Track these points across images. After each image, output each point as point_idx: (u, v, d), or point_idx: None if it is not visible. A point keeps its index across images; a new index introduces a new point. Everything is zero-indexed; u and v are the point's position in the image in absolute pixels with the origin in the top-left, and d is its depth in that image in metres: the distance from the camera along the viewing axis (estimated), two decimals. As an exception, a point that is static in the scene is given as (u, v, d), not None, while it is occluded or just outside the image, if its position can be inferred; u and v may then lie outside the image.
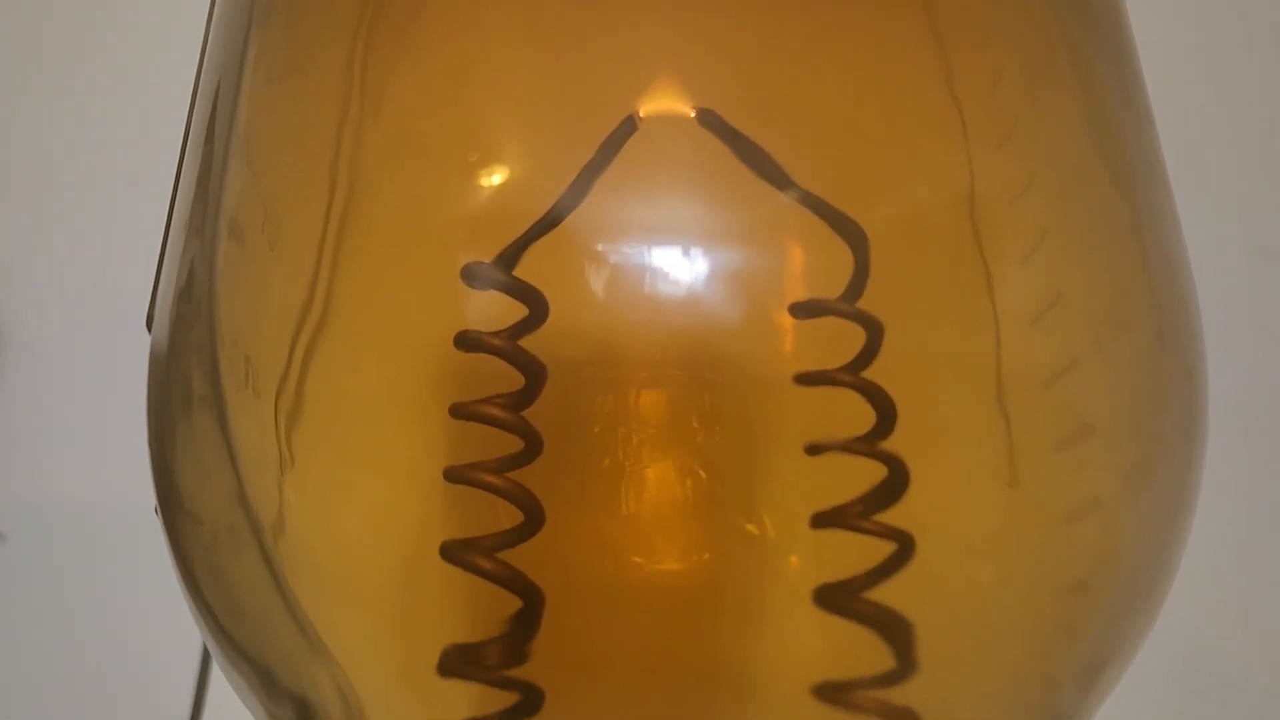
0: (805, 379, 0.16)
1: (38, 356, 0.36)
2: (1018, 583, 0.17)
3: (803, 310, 0.16)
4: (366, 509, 0.17)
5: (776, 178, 0.16)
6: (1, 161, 0.37)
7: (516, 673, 0.16)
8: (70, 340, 0.36)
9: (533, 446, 0.16)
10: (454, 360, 0.16)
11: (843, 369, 0.16)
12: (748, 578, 0.16)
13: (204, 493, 0.18)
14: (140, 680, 0.34)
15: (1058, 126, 0.18)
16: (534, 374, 0.16)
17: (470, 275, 0.16)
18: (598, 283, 0.16)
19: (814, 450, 0.16)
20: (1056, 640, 0.17)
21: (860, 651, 0.16)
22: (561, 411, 0.16)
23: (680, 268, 0.16)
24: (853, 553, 0.16)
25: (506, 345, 0.16)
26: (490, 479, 0.16)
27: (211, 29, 0.20)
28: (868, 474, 0.16)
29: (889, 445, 0.16)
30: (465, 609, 0.16)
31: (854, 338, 0.16)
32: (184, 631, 0.19)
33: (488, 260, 0.16)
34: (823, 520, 0.16)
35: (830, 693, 0.16)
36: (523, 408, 0.16)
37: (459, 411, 0.16)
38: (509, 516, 0.16)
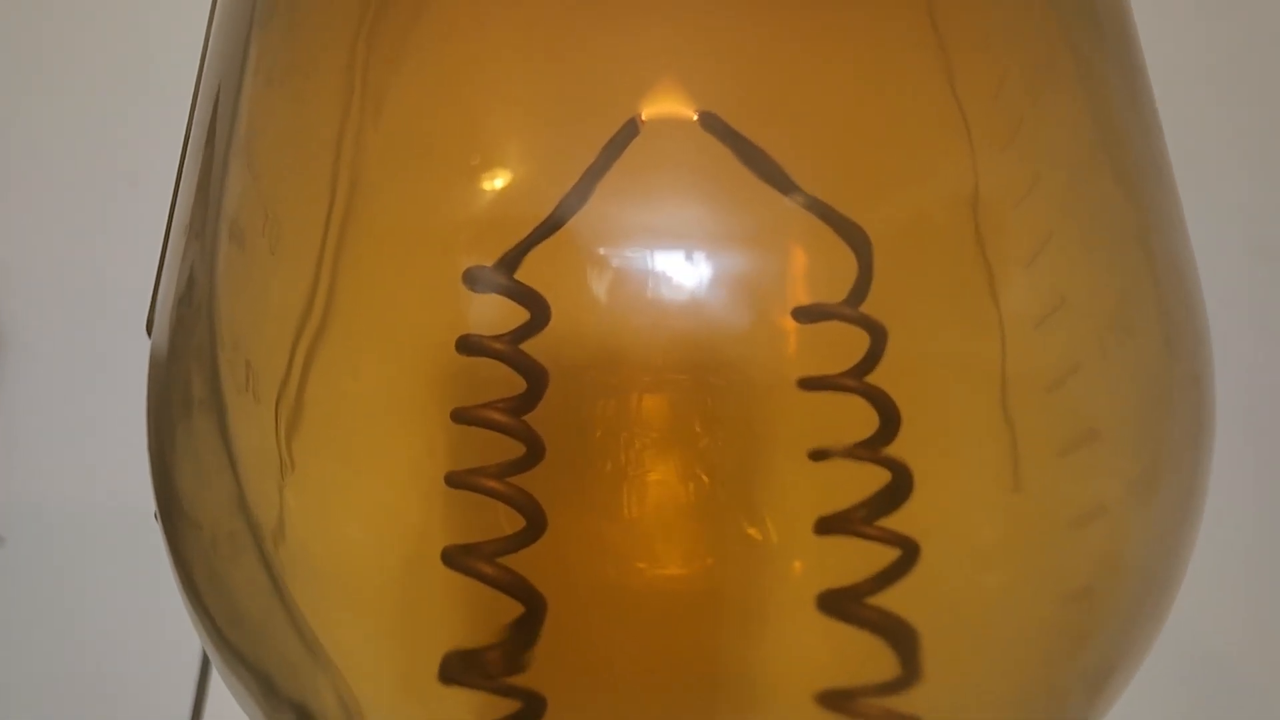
0: (808, 384, 0.16)
1: (38, 357, 0.35)
2: (1023, 589, 0.17)
3: (806, 315, 0.16)
4: (367, 514, 0.17)
5: (779, 181, 0.16)
6: (1, 162, 0.37)
7: (518, 680, 0.16)
8: (70, 341, 0.36)
9: (535, 451, 0.16)
10: (455, 364, 0.16)
11: (846, 374, 0.16)
12: (751, 583, 0.16)
13: (204, 498, 0.17)
14: (140, 682, 0.34)
15: (1062, 128, 0.18)
16: (536, 378, 0.16)
17: (472, 279, 0.16)
18: (599, 286, 0.16)
19: (817, 456, 0.16)
20: (1063, 647, 0.17)
21: (864, 659, 0.16)
22: (563, 416, 0.16)
23: (682, 271, 0.16)
24: (857, 558, 0.16)
25: (508, 349, 0.16)
26: (492, 484, 0.16)
27: (212, 30, 0.20)
28: (871, 479, 0.16)
29: (893, 450, 0.16)
30: (466, 615, 0.16)
31: (857, 342, 0.16)
32: (184, 633, 0.19)
33: (489, 264, 0.16)
34: (826, 526, 0.16)
35: (835, 700, 0.16)
36: (524, 412, 0.16)
37: (460, 416, 0.16)
38: (511, 522, 0.16)
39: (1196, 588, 0.19)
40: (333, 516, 0.17)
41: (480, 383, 0.16)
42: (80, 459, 0.35)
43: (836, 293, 0.16)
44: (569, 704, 0.16)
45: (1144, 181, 0.18)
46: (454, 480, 0.16)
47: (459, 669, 0.16)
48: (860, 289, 0.16)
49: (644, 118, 0.16)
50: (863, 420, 0.16)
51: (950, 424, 0.16)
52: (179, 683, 0.33)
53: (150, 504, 0.19)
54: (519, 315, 0.16)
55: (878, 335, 0.16)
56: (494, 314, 0.16)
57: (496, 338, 0.16)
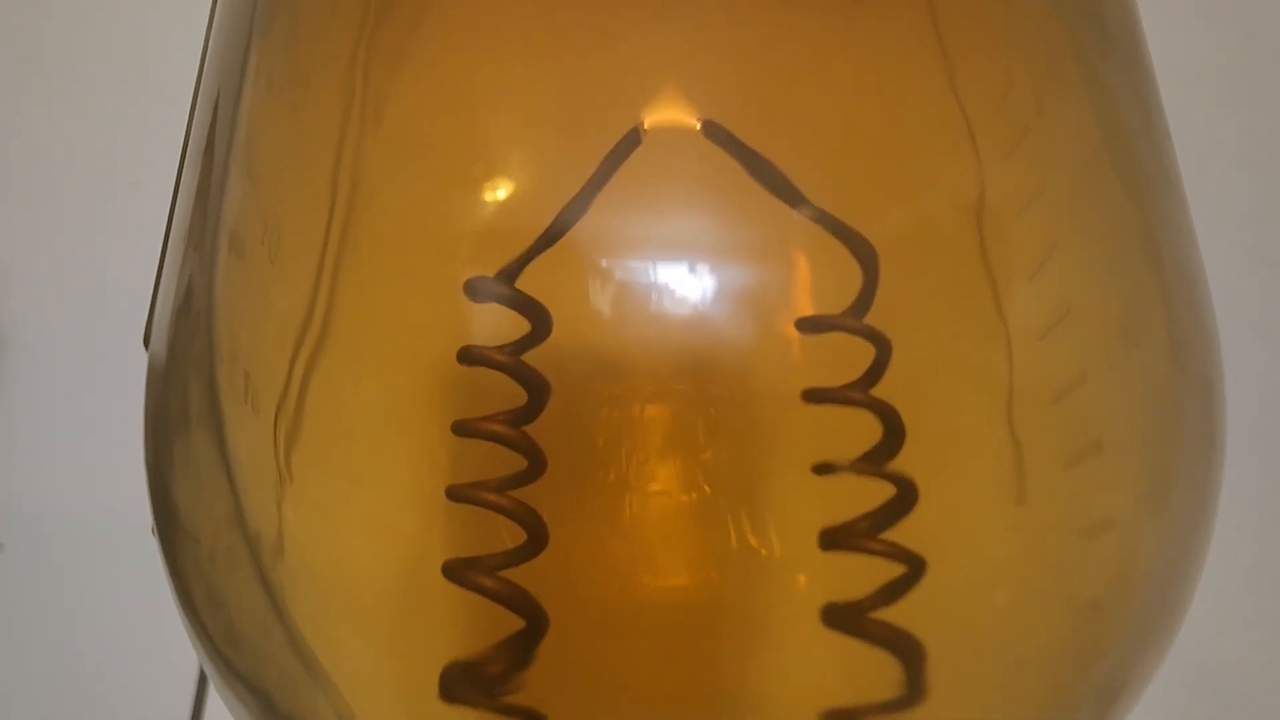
0: (812, 396, 0.16)
1: (38, 358, 0.35)
2: (1031, 603, 0.16)
3: (809, 326, 0.16)
4: (367, 528, 0.17)
5: (782, 190, 0.16)
6: (2, 163, 0.37)
7: (519, 696, 0.16)
8: (70, 342, 0.36)
9: (536, 464, 0.16)
10: (456, 376, 0.16)
11: (851, 386, 0.16)
12: (754, 597, 0.16)
13: (201, 511, 0.17)
14: (140, 687, 0.34)
15: (1068, 135, 0.18)
16: (537, 390, 0.16)
17: (473, 289, 0.16)
18: (602, 297, 0.15)
19: (822, 470, 0.16)
20: (1073, 662, 0.17)
21: (869, 675, 0.16)
22: (565, 428, 0.16)
23: (685, 282, 0.15)
24: (861, 572, 0.16)
25: (509, 360, 0.16)
26: (493, 497, 0.15)
27: (211, 37, 0.19)
28: (876, 490, 0.16)
29: (897, 462, 0.16)
30: (467, 632, 0.16)
31: (861, 352, 0.16)
32: (184, 639, 0.19)
33: (490, 274, 0.16)
34: (831, 539, 0.16)
35: (840, 718, 0.16)
36: (526, 424, 0.16)
37: (462, 428, 0.16)
38: (512, 535, 0.15)
39: (1199, 597, 0.19)
40: (332, 530, 0.17)
41: (481, 394, 0.16)
42: (80, 460, 0.35)
43: (840, 303, 0.16)
44: (570, 720, 0.16)
45: (1152, 188, 0.18)
46: (455, 494, 0.16)
47: (459, 684, 0.16)
48: (865, 299, 0.16)
49: (647, 127, 0.16)
50: (867, 431, 0.16)
51: (955, 436, 0.16)
52: (178, 689, 0.33)
53: (149, 508, 0.18)
54: (520, 326, 0.16)
55: (882, 347, 0.16)
56: (495, 325, 0.16)
57: (498, 349, 0.16)
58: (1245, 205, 0.36)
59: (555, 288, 0.16)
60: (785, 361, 0.16)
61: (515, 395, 0.16)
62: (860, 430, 0.16)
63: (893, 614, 0.16)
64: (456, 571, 0.16)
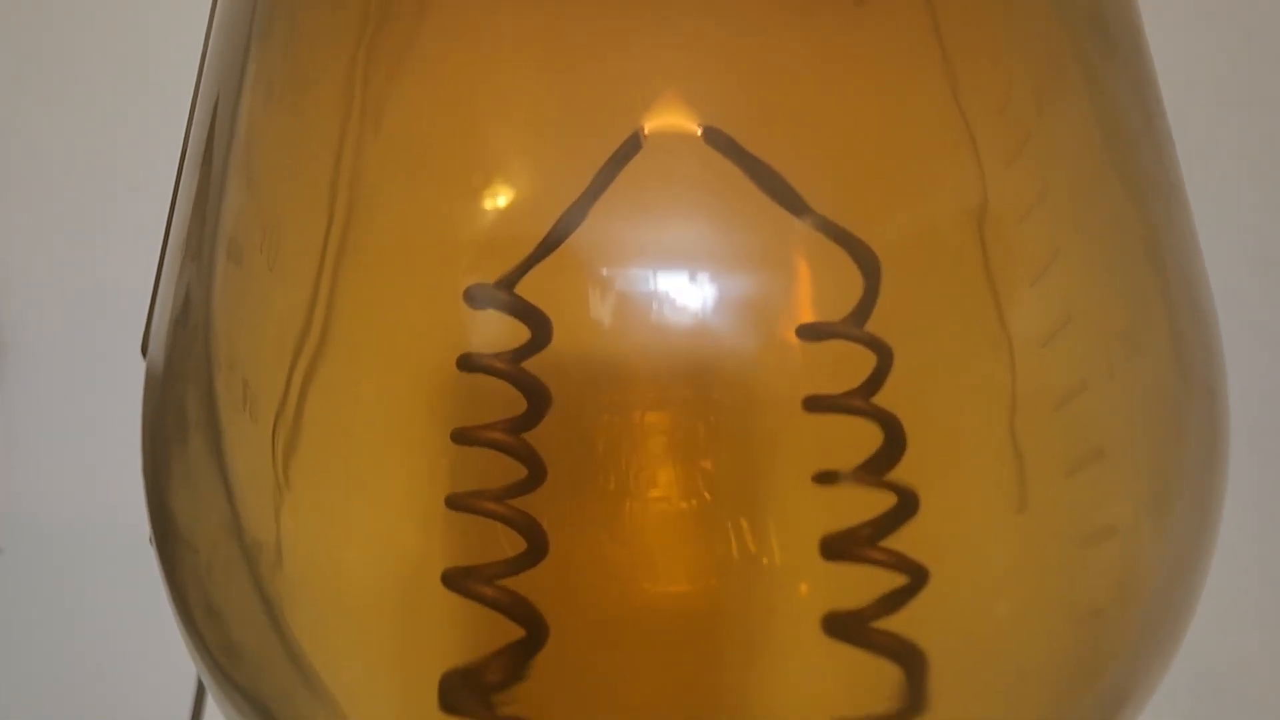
0: (813, 404, 0.16)
1: (38, 361, 0.35)
2: (1033, 611, 0.16)
3: (810, 333, 0.16)
4: (366, 536, 0.16)
5: (783, 196, 0.16)
6: (1, 164, 0.37)
7: (519, 706, 0.16)
8: (71, 344, 0.35)
9: (536, 472, 0.15)
10: (456, 384, 0.16)
11: (852, 393, 0.16)
12: (755, 605, 0.16)
13: (199, 521, 0.17)
14: (140, 690, 0.34)
15: (1070, 140, 0.18)
16: (537, 397, 0.16)
17: (472, 296, 0.16)
18: (602, 304, 0.15)
19: (822, 480, 0.16)
20: (1076, 671, 0.17)
21: (871, 685, 0.16)
22: (565, 435, 0.16)
23: (685, 289, 0.15)
24: (863, 581, 0.16)
25: (509, 368, 0.16)
26: (493, 506, 0.15)
27: (210, 42, 0.19)
28: (878, 497, 0.16)
29: (899, 469, 0.16)
30: (466, 641, 0.16)
31: (862, 359, 0.16)
32: (183, 641, 0.19)
33: (490, 281, 0.16)
34: (832, 547, 0.16)
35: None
36: (526, 431, 0.16)
37: (461, 436, 0.16)
38: (512, 544, 0.15)
39: (1201, 601, 0.19)
40: (331, 539, 0.17)
41: (481, 402, 0.16)
42: (80, 462, 0.35)
43: (841, 311, 0.16)
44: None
45: (1154, 192, 0.18)
46: (455, 502, 0.16)
47: (458, 694, 0.16)
48: (866, 306, 0.16)
49: (647, 132, 0.16)
50: (869, 438, 0.16)
51: (956, 443, 0.16)
52: (178, 692, 0.33)
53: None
54: (520, 333, 0.16)
55: (884, 354, 0.16)
56: (495, 332, 0.16)
57: (498, 356, 0.16)
58: (1245, 206, 0.35)
59: (555, 294, 0.16)
60: (786, 369, 0.16)
61: (515, 403, 0.16)
62: (861, 438, 0.16)
63: (894, 623, 0.16)
64: (456, 580, 0.16)
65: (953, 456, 0.16)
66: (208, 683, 0.18)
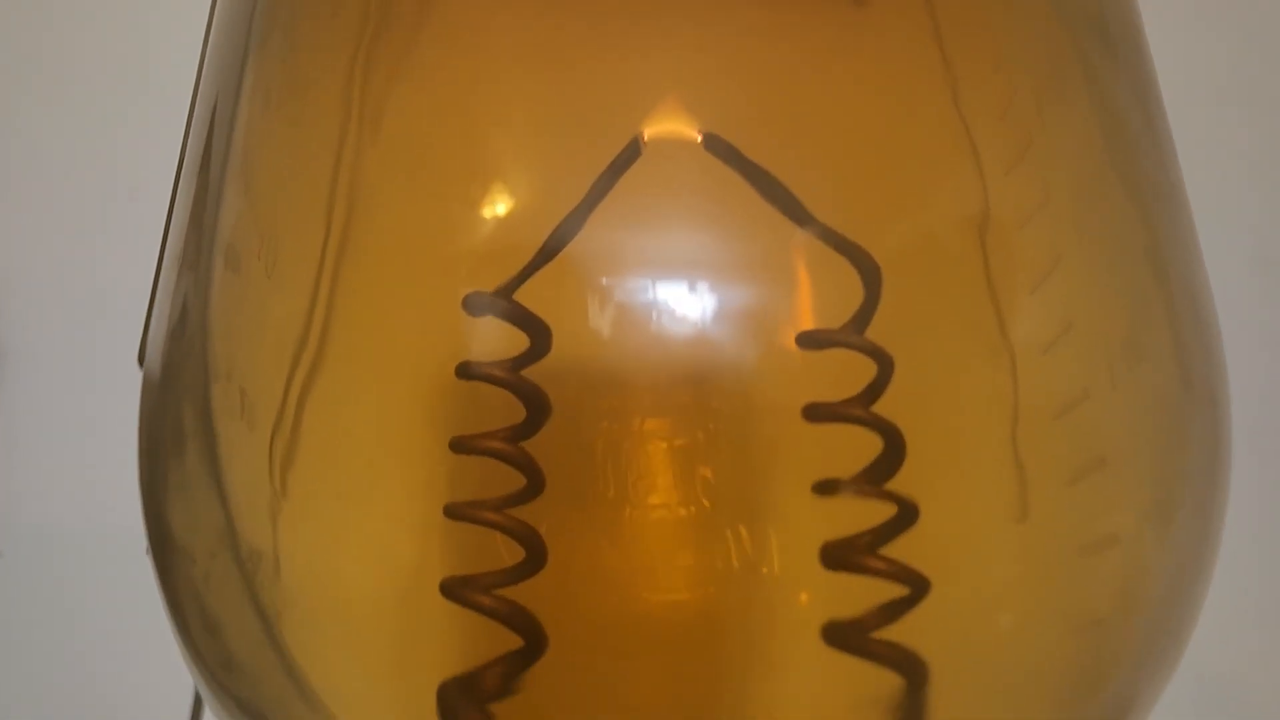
0: (813, 413, 0.15)
1: (38, 365, 0.35)
2: (1034, 620, 0.16)
3: (810, 341, 0.16)
4: (363, 545, 0.16)
5: (783, 203, 0.16)
6: (1, 168, 0.37)
7: (517, 715, 0.16)
8: (70, 349, 0.35)
9: (535, 481, 0.15)
10: (454, 392, 0.16)
11: (852, 401, 0.16)
12: (755, 614, 0.16)
13: (196, 530, 0.17)
14: (139, 693, 0.34)
15: (1072, 145, 0.17)
16: (536, 406, 0.15)
17: (471, 304, 0.16)
18: (601, 312, 0.15)
19: (822, 488, 0.16)
20: (1078, 681, 0.17)
21: (871, 695, 0.16)
22: (564, 444, 0.16)
23: (685, 296, 0.15)
24: (863, 590, 0.16)
25: (508, 376, 0.15)
26: (491, 515, 0.15)
27: (209, 49, 0.19)
28: (877, 506, 0.16)
29: (899, 478, 0.16)
30: (464, 650, 0.16)
31: (863, 368, 0.16)
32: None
33: (489, 289, 0.16)
34: (832, 556, 0.15)
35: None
36: (524, 440, 0.15)
37: (460, 445, 0.16)
38: (510, 553, 0.15)
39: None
40: (328, 548, 0.17)
41: (480, 411, 0.16)
42: (80, 466, 0.35)
43: (842, 319, 0.16)
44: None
45: (1155, 196, 0.18)
46: (453, 512, 0.16)
47: (456, 703, 0.16)
48: (866, 314, 0.16)
49: (647, 139, 0.16)
50: (868, 446, 0.16)
51: (957, 452, 0.16)
52: (177, 696, 0.33)
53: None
54: (519, 341, 0.15)
55: (884, 362, 0.16)
56: (494, 340, 0.16)
57: (496, 364, 0.16)
58: (1245, 206, 0.35)
59: (555, 302, 0.16)
60: (786, 377, 0.16)
61: (514, 411, 0.15)
62: (861, 446, 0.16)
63: (895, 633, 0.15)
64: (454, 590, 0.16)
65: (953, 465, 0.16)
66: (204, 693, 0.18)
